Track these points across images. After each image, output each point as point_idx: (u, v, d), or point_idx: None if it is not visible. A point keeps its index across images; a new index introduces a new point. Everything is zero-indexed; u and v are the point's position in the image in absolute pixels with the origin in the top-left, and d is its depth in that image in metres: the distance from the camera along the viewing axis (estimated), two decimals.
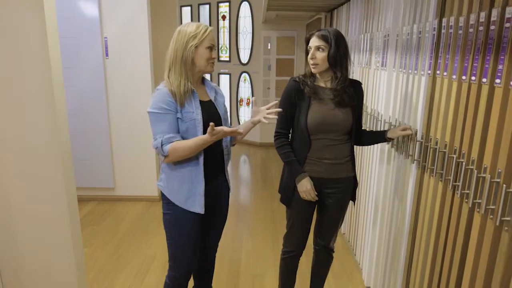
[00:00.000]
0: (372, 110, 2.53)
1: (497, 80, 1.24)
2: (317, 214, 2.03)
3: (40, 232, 2.00)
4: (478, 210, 1.33)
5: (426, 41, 1.76)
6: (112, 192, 4.03)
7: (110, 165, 3.93)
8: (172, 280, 1.84)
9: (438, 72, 1.66)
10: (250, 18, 6.13)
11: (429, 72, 1.73)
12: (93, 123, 3.83)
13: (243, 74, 6.45)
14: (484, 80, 1.31)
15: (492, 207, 1.24)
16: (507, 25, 1.20)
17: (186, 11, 6.83)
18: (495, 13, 1.26)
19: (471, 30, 1.40)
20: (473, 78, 1.38)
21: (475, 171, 1.33)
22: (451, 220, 1.52)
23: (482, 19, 1.33)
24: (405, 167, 2.00)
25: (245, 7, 6.17)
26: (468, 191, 1.38)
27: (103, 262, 2.84)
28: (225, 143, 1.82)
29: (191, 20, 6.52)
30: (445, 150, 1.57)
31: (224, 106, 1.84)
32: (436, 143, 1.65)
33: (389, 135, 1.94)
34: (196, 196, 1.71)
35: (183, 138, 1.65)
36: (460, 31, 1.47)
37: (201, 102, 1.70)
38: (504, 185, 1.18)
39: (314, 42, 1.78)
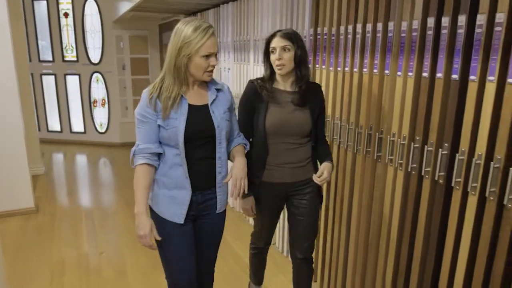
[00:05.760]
0: None
1: (374, 70, 1.95)
2: (290, 225, 1.96)
3: None
4: (391, 164, 1.90)
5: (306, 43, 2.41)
6: None
7: None
8: None
9: (317, 66, 2.34)
10: (98, 16, 5.94)
11: (317, 66, 2.39)
12: None
13: (95, 74, 6.19)
14: (365, 70, 2.02)
15: (400, 161, 1.83)
16: (379, 35, 1.90)
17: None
18: (359, 26, 1.96)
19: (341, 37, 2.09)
20: (346, 68, 2.08)
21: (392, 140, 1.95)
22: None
23: (349, 30, 2.03)
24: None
25: (90, 4, 5.93)
26: (380, 153, 1.97)
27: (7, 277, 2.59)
28: (219, 154, 1.62)
29: (25, 16, 5.78)
30: (361, 131, 2.25)
31: (226, 112, 1.63)
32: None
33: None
34: (175, 205, 1.60)
35: (168, 145, 1.57)
36: (333, 38, 2.16)
37: (192, 106, 1.56)
38: (399, 139, 1.90)
39: (279, 42, 1.73)
